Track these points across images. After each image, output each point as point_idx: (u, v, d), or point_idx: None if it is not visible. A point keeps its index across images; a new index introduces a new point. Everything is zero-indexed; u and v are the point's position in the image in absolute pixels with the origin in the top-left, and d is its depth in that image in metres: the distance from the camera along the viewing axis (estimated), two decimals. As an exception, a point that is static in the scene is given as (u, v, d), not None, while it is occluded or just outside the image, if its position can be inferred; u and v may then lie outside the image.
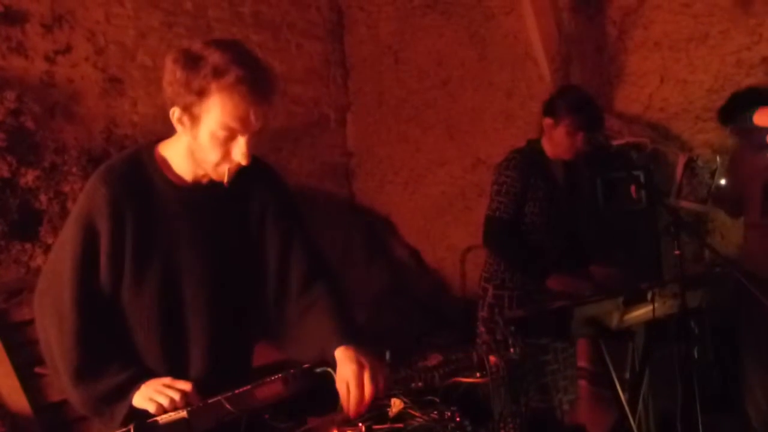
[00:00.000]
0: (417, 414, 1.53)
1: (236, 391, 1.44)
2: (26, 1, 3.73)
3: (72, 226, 1.56)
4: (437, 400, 1.63)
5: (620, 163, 3.67)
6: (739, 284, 2.57)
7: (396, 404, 1.55)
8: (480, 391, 1.93)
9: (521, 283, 2.94)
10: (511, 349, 2.03)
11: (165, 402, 1.43)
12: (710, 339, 3.24)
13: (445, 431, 1.50)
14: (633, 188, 3.63)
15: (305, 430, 1.49)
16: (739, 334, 3.25)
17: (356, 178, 5.47)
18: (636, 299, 2.46)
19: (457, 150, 4.85)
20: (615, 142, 3.79)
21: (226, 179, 1.56)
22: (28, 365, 3.08)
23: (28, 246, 3.65)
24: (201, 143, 1.51)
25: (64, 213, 3.69)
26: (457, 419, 1.52)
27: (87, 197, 1.56)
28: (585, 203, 3.24)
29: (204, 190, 1.62)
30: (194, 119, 1.50)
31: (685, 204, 3.72)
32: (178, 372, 1.55)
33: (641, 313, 2.50)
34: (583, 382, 2.78)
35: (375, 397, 1.48)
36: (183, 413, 1.37)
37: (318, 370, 1.54)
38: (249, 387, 1.46)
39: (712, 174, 3.65)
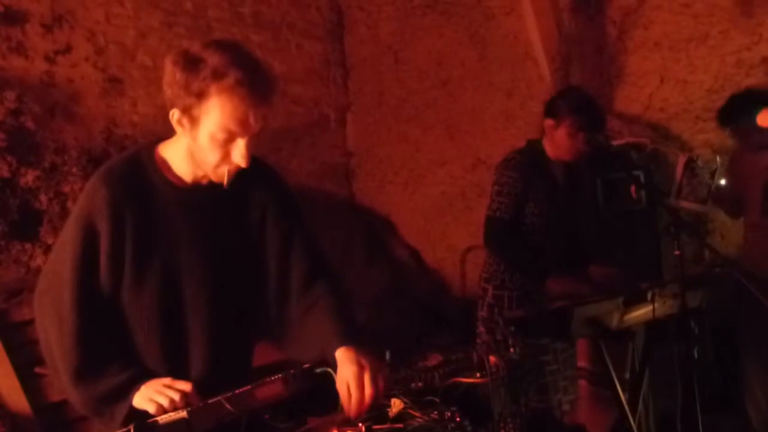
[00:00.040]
0: (417, 414, 1.53)
1: (236, 391, 1.44)
2: (26, 1, 3.74)
3: (72, 227, 1.56)
4: (437, 400, 1.63)
5: (620, 163, 3.67)
6: (739, 284, 2.57)
7: (396, 404, 1.55)
8: (480, 391, 1.93)
9: (521, 283, 2.94)
10: (511, 349, 2.03)
11: (165, 402, 1.43)
12: (710, 339, 3.24)
13: (445, 431, 1.50)
14: (633, 188, 3.63)
15: (305, 430, 1.50)
16: (739, 334, 3.25)
17: (356, 178, 5.47)
18: (636, 299, 2.46)
19: (457, 150, 4.85)
20: (615, 142, 3.79)
21: (225, 181, 1.56)
22: (28, 365, 3.08)
23: (28, 246, 3.65)
24: (200, 145, 1.51)
25: (64, 213, 3.69)
26: (457, 419, 1.52)
27: (87, 198, 1.56)
28: (585, 204, 3.24)
29: (204, 191, 1.62)
30: (194, 121, 1.49)
31: (685, 204, 3.71)
32: (178, 372, 1.55)
33: (641, 313, 2.50)
34: (583, 382, 2.78)
35: (375, 399, 1.48)
36: (183, 413, 1.37)
37: (318, 370, 1.54)
38: (249, 387, 1.46)
39: (712, 174, 3.65)
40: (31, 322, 2.72)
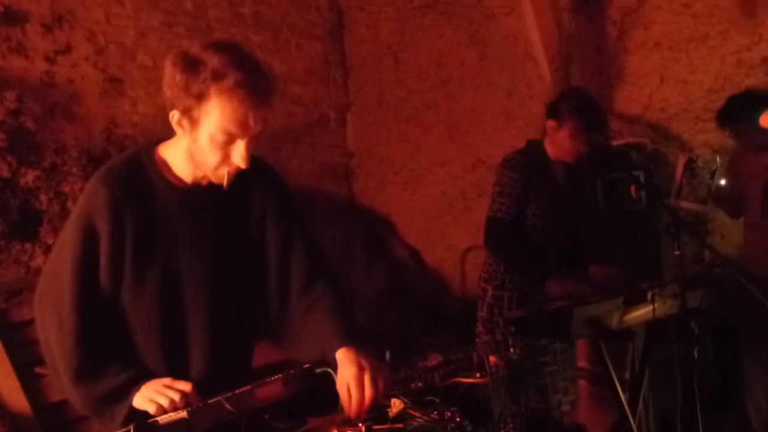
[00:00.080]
0: (417, 414, 1.53)
1: (236, 392, 1.44)
2: (26, 1, 3.74)
3: (72, 228, 1.56)
4: (437, 400, 1.63)
5: (620, 164, 3.66)
6: (739, 284, 2.57)
7: (396, 404, 1.55)
8: (480, 392, 1.93)
9: (521, 284, 2.93)
10: (511, 350, 2.03)
11: (165, 402, 1.43)
12: (710, 339, 3.24)
13: (444, 431, 1.50)
14: (633, 188, 3.62)
15: (305, 431, 1.50)
16: (739, 334, 3.25)
17: (356, 178, 5.47)
18: (636, 299, 2.46)
19: (457, 150, 4.85)
20: (615, 142, 3.78)
21: (225, 182, 1.56)
22: (28, 365, 3.09)
23: (28, 246, 3.65)
24: (200, 146, 1.51)
25: (64, 213, 3.69)
26: (457, 419, 1.52)
27: (87, 199, 1.56)
28: (586, 204, 3.24)
29: (204, 192, 1.62)
30: (193, 122, 1.49)
31: (685, 204, 3.71)
32: (178, 372, 1.55)
33: (641, 313, 2.50)
34: (583, 383, 2.78)
35: (375, 400, 1.48)
36: (183, 413, 1.37)
37: (318, 370, 1.54)
38: (249, 387, 1.46)
39: (712, 174, 3.65)
40: (31, 322, 2.71)
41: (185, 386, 1.47)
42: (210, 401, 1.41)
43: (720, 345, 3.33)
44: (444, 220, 4.98)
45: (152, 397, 1.45)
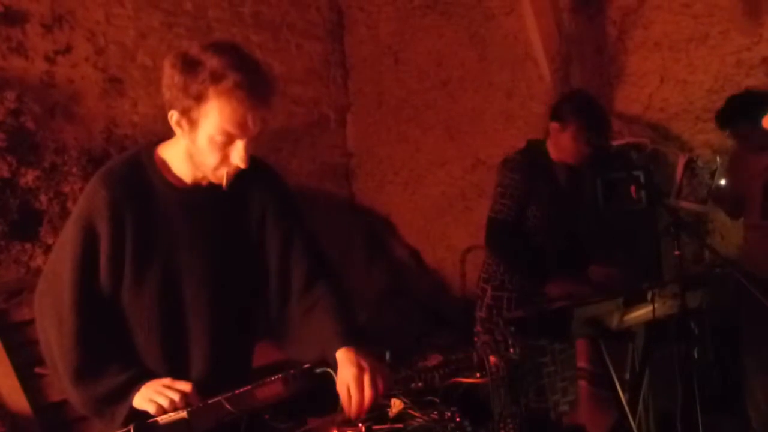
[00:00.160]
0: (417, 414, 1.53)
1: (236, 392, 1.44)
2: (26, 1, 3.74)
3: (72, 228, 1.56)
4: (437, 400, 1.63)
5: (620, 164, 3.66)
6: (739, 285, 2.57)
7: (396, 404, 1.55)
8: (480, 392, 1.93)
9: (520, 284, 2.93)
10: (511, 350, 2.03)
11: (165, 403, 1.43)
12: (710, 339, 3.24)
13: (444, 431, 1.50)
14: (633, 188, 3.62)
15: (305, 431, 1.50)
16: (739, 334, 3.25)
17: (356, 178, 5.47)
18: (636, 299, 2.46)
19: (457, 150, 4.85)
20: (615, 142, 3.78)
21: (224, 183, 1.57)
22: (28, 365, 3.09)
23: (28, 246, 3.65)
24: (199, 147, 1.51)
25: (64, 213, 3.69)
26: (457, 419, 1.52)
27: (87, 200, 1.56)
28: (587, 205, 3.23)
29: (204, 192, 1.62)
30: (192, 123, 1.49)
31: (685, 204, 3.71)
32: (178, 373, 1.55)
33: (641, 313, 2.50)
34: (582, 383, 2.77)
35: (375, 400, 1.48)
36: (183, 414, 1.37)
37: (318, 370, 1.54)
38: (249, 387, 1.46)
39: (712, 174, 3.65)
40: (31, 322, 2.72)
41: (185, 386, 1.47)
42: (210, 401, 1.41)
43: (720, 345, 3.33)
44: (444, 221, 4.98)
45: (152, 397, 1.45)
